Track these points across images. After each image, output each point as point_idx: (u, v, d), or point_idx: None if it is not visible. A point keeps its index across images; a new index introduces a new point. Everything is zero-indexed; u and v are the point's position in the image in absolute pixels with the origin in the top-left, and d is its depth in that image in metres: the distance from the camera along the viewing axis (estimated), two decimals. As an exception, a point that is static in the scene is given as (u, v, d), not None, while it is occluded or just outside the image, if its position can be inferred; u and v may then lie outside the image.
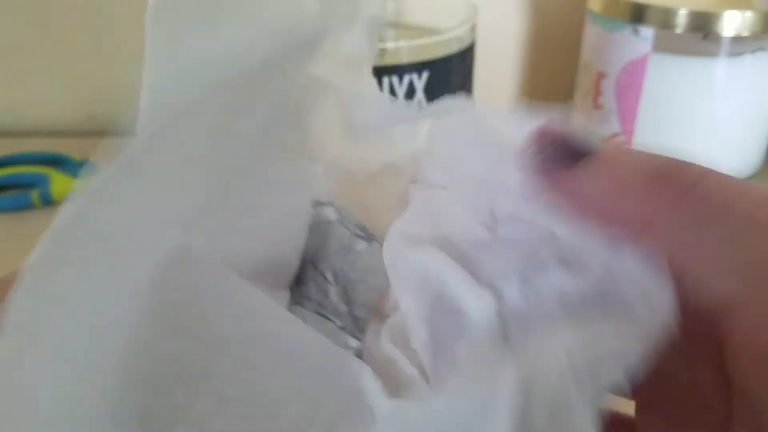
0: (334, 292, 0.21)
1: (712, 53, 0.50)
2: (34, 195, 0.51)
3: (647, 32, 0.51)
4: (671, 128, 0.54)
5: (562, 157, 0.15)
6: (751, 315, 0.13)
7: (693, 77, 0.51)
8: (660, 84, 0.52)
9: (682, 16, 0.50)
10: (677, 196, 0.14)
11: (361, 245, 0.21)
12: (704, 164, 0.16)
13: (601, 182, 0.14)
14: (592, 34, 0.56)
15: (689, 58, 0.51)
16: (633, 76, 0.53)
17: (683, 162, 0.15)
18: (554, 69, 0.67)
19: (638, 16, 0.51)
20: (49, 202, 0.51)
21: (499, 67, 0.67)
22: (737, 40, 0.50)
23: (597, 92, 0.56)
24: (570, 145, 0.15)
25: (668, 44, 0.51)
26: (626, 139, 0.55)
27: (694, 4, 0.50)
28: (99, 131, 0.66)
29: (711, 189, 0.15)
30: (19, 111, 0.66)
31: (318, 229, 0.22)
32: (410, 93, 0.46)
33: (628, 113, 0.54)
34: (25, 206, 0.51)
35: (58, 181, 0.52)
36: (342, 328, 0.20)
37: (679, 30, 0.50)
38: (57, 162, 0.56)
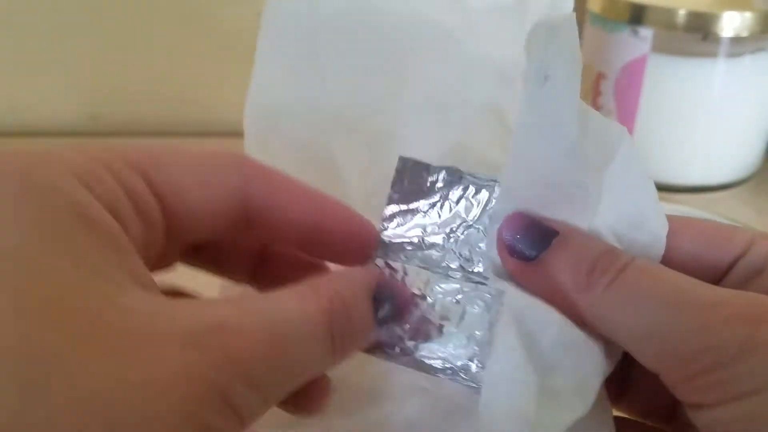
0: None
1: (711, 54, 0.50)
2: (36, 195, 0.51)
3: (646, 33, 0.51)
4: (671, 129, 0.54)
5: (527, 239, 0.19)
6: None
7: (692, 78, 0.52)
8: (659, 84, 0.52)
9: (681, 17, 0.50)
10: (612, 278, 0.18)
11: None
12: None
13: (549, 276, 0.19)
14: (591, 34, 0.56)
15: (688, 59, 0.51)
16: (632, 76, 0.53)
17: (618, 250, 0.19)
18: (554, 69, 0.67)
19: (637, 16, 0.51)
20: (50, 201, 0.51)
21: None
22: (737, 40, 0.50)
23: (596, 92, 0.56)
24: (535, 229, 0.19)
25: (667, 45, 0.51)
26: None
27: (694, 4, 0.50)
28: (101, 132, 0.66)
29: (636, 272, 0.18)
30: (21, 111, 0.66)
31: None
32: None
33: (627, 113, 0.54)
34: (26, 206, 0.51)
35: (59, 181, 0.52)
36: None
37: (678, 30, 0.50)
38: (58, 162, 0.56)
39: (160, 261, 0.19)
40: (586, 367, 0.18)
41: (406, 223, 0.22)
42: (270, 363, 0.16)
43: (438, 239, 0.21)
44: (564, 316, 0.18)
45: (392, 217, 0.22)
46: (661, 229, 0.19)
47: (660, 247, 0.19)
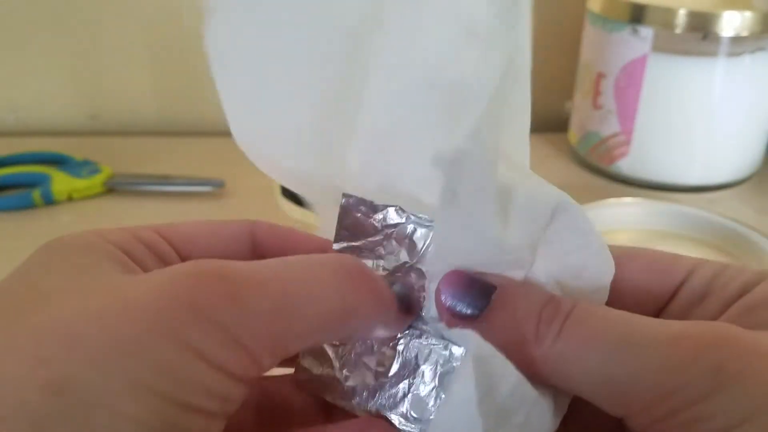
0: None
1: (711, 53, 0.50)
2: (36, 194, 0.51)
3: (646, 32, 0.51)
4: (670, 128, 0.54)
5: (466, 299, 0.18)
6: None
7: (692, 77, 0.52)
8: (659, 84, 0.52)
9: (681, 17, 0.50)
10: (559, 328, 0.17)
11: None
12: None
13: (495, 333, 0.18)
14: (591, 34, 0.56)
15: (688, 58, 0.51)
16: (632, 76, 0.53)
17: (558, 297, 0.18)
18: (554, 69, 0.67)
19: (638, 16, 0.51)
20: (50, 201, 0.52)
21: (499, 67, 0.67)
22: (736, 40, 0.50)
23: (597, 92, 0.56)
24: (472, 287, 0.18)
25: (667, 44, 0.51)
26: (626, 139, 0.55)
27: (694, 4, 0.50)
28: (100, 131, 0.66)
29: (582, 318, 0.17)
30: (21, 110, 0.66)
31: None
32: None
33: (627, 113, 0.54)
34: (26, 206, 0.51)
35: (59, 181, 0.52)
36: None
37: (678, 30, 0.50)
38: (58, 162, 0.56)
39: None
40: (534, 425, 0.17)
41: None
42: (259, 277, 0.16)
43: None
44: (518, 370, 0.17)
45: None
46: (605, 276, 0.19)
47: (603, 295, 0.19)
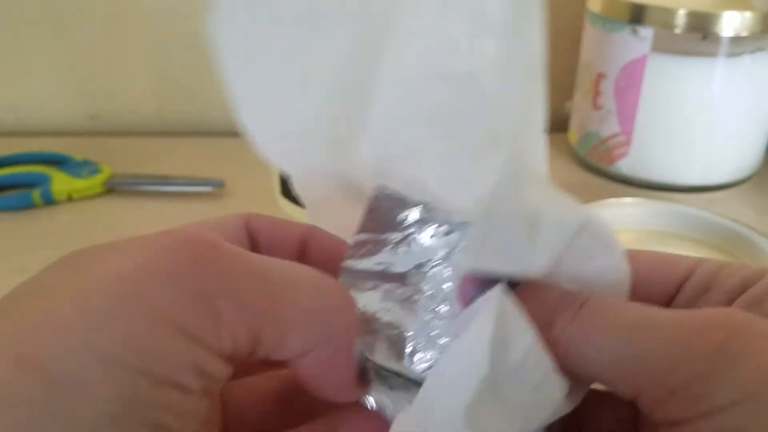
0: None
1: (711, 53, 0.50)
2: (36, 195, 0.51)
3: (646, 33, 0.51)
4: (670, 128, 0.54)
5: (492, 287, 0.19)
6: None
7: (692, 77, 0.52)
8: (659, 84, 0.52)
9: (681, 17, 0.50)
10: (574, 313, 0.18)
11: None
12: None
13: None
14: (591, 34, 0.56)
15: (688, 59, 0.51)
16: (632, 76, 0.53)
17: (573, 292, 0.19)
18: (554, 69, 0.67)
19: (637, 16, 0.51)
20: (50, 201, 0.52)
21: (499, 67, 0.67)
22: (736, 40, 0.50)
23: (596, 92, 0.56)
24: (498, 280, 0.19)
25: (667, 44, 0.51)
26: (626, 139, 0.55)
27: (694, 4, 0.50)
28: (100, 131, 0.66)
29: (597, 305, 0.18)
30: (21, 111, 0.66)
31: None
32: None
33: (627, 113, 0.54)
34: (26, 206, 0.51)
35: (59, 181, 0.52)
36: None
37: (678, 30, 0.50)
38: (58, 162, 0.56)
39: None
40: (546, 395, 0.18)
41: (374, 254, 0.21)
42: (246, 256, 0.16)
43: (404, 274, 0.21)
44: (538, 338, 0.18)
45: (361, 245, 0.21)
46: (624, 283, 0.19)
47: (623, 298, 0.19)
